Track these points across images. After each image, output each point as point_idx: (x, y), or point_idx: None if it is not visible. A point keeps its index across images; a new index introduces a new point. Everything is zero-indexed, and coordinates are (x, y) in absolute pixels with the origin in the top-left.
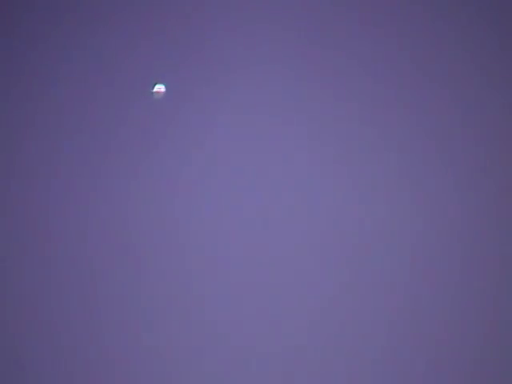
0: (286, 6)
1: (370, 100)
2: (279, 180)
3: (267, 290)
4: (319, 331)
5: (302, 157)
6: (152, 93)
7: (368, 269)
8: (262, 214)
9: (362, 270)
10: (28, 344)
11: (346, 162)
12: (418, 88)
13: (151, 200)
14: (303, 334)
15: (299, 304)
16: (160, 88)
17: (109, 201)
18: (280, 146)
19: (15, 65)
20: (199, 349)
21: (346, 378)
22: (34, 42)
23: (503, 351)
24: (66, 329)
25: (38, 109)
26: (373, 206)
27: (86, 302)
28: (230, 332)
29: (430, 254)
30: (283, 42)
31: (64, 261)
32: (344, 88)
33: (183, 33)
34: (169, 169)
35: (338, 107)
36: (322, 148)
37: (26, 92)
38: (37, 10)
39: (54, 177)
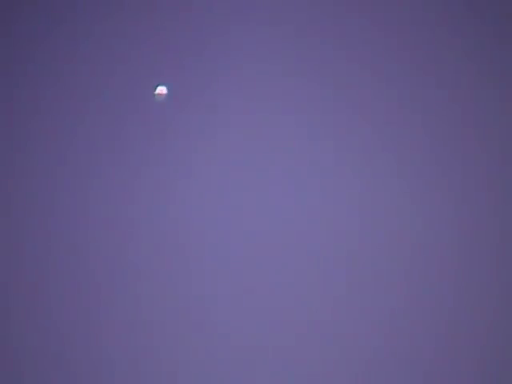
0: (288, 8)
1: (371, 101)
2: (280, 181)
3: (267, 290)
4: (319, 332)
5: (302, 158)
6: (154, 94)
7: (368, 270)
8: (262, 215)
9: (363, 271)
10: (27, 344)
11: (346, 163)
12: (418, 89)
13: (152, 201)
14: (303, 334)
15: (299, 305)
16: (162, 90)
17: (110, 201)
18: (281, 147)
19: (17, 67)
20: (199, 349)
21: (346, 378)
22: (36, 42)
23: (503, 351)
24: (65, 329)
25: (40, 109)
26: (373, 206)
27: (86, 303)
28: (231, 332)
29: (430, 254)
30: (285, 44)
31: (65, 260)
32: (345, 89)
33: (185, 35)
34: (170, 169)
35: (339, 109)
36: (322, 149)
37: (27, 93)
38: (38, 11)
39: (55, 177)
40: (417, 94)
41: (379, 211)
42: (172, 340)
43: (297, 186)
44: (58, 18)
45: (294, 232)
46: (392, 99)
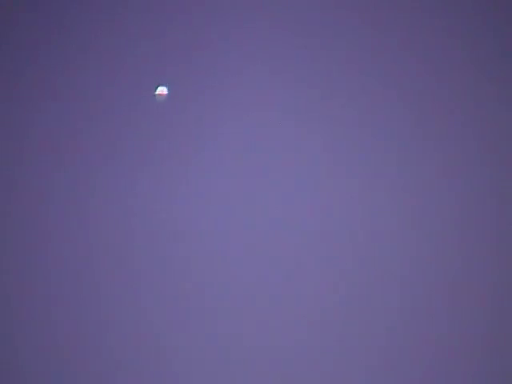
0: (290, 9)
1: (372, 102)
2: (280, 182)
3: (269, 291)
4: (320, 333)
5: (303, 157)
6: (154, 95)
7: (369, 271)
8: (262, 215)
9: (364, 271)
10: (27, 344)
11: (347, 163)
12: (419, 90)
13: (152, 202)
14: (304, 335)
15: (299, 305)
16: (162, 90)
17: (110, 202)
18: (281, 147)
19: (17, 66)
20: (200, 350)
21: (347, 379)
22: (36, 42)
23: (504, 352)
24: (65, 329)
25: (40, 110)
26: (374, 207)
27: (86, 304)
28: (231, 332)
29: (431, 254)
30: (286, 45)
31: (64, 261)
32: (346, 90)
33: (185, 35)
34: (170, 170)
35: (340, 109)
36: (323, 149)
37: (27, 93)
38: (38, 11)
39: (55, 177)
40: (417, 94)
41: (378, 211)
42: (172, 340)
43: (297, 186)
44: (57, 18)
45: (294, 232)
46: (392, 99)
